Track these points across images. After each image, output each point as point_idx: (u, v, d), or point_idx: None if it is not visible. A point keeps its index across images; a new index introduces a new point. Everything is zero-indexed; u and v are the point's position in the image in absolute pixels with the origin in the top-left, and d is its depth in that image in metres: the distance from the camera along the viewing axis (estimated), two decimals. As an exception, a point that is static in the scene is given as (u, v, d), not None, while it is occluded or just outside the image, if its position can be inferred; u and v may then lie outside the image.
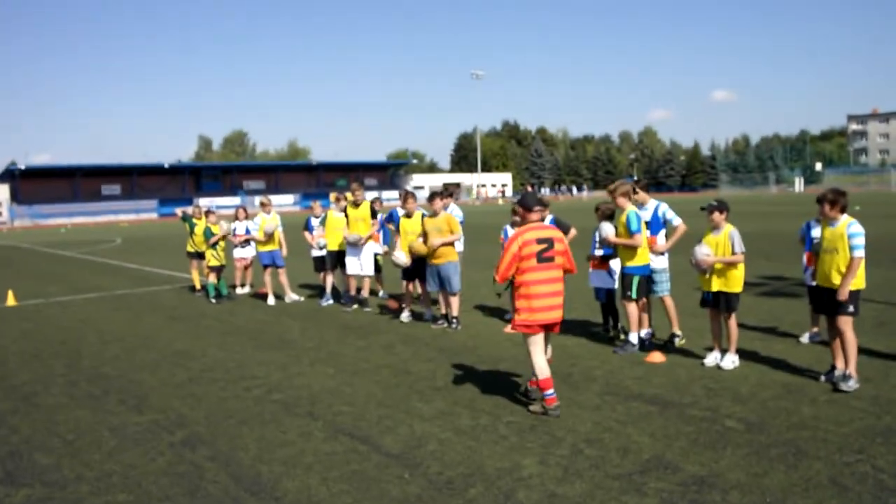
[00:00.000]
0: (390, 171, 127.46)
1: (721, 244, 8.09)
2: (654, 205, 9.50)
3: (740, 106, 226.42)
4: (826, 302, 7.43)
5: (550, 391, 6.81)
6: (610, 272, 9.87)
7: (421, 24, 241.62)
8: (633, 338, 9.16)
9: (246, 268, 16.40)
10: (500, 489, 5.26)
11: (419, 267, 11.70)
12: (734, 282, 8.13)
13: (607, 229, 9.34)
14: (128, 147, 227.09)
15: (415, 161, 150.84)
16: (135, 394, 8.21)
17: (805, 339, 9.26)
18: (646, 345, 9.23)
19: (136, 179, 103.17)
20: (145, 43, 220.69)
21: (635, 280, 9.07)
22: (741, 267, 8.18)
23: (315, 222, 15.16)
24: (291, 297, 14.85)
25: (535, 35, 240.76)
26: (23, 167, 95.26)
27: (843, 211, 7.33)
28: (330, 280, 14.47)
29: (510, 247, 6.92)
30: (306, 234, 15.22)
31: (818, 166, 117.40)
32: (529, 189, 16.50)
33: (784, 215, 37.20)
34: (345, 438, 6.46)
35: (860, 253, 7.14)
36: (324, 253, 14.49)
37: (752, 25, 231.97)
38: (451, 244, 11.14)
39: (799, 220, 9.76)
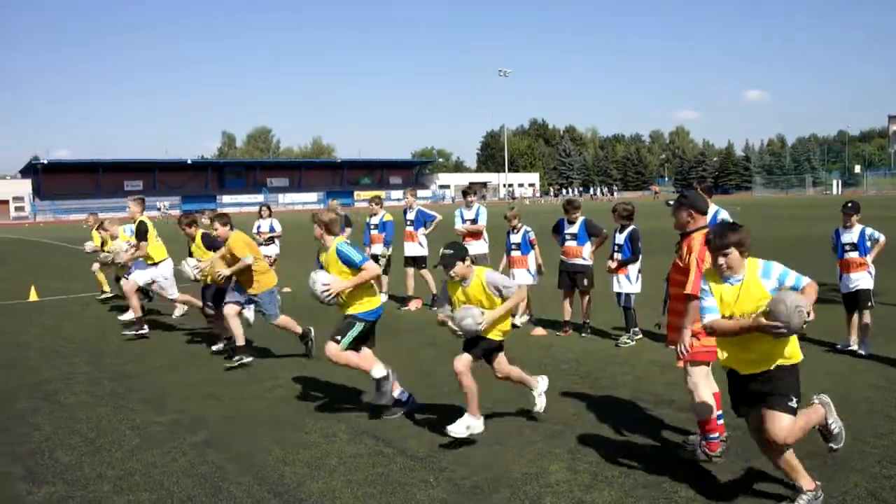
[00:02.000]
0: (415, 170, 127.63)
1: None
2: (713, 209, 9.29)
3: (775, 106, 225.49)
4: (749, 392, 4.87)
5: (716, 434, 5.71)
6: (628, 276, 9.78)
7: (448, 21, 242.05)
8: (377, 372, 7.07)
9: (269, 265, 16.35)
10: (526, 494, 5.16)
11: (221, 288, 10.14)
12: None
13: (321, 280, 7.20)
14: (150, 143, 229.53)
15: (440, 160, 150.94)
16: (156, 393, 8.16)
17: (841, 346, 9.06)
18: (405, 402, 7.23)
19: (159, 175, 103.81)
20: (169, 38, 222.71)
21: (357, 326, 7.06)
22: None
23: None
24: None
25: (564, 33, 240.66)
26: (45, 162, 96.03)
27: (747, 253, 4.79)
28: None
29: (706, 258, 5.55)
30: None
31: (857, 168, 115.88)
32: (567, 191, 16.22)
33: (821, 219, 36.54)
34: (369, 441, 6.37)
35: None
36: None
37: (787, 24, 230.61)
38: (256, 270, 9.48)
39: (836, 224, 9.55)
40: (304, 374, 8.69)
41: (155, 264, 11.60)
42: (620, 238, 9.86)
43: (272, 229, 16.30)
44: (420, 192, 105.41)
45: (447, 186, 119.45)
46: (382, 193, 15.95)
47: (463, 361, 6.18)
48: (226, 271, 9.41)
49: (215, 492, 5.39)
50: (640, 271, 9.88)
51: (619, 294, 9.91)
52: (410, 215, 13.53)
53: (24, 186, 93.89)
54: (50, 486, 5.59)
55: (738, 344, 4.79)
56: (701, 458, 5.68)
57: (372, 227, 14.27)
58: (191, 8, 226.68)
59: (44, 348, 10.79)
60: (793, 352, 4.73)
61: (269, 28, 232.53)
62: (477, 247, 12.33)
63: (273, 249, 16.29)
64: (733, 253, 4.69)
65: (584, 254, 10.40)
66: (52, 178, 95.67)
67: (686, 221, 5.93)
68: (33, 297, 16.07)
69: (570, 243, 10.49)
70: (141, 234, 11.38)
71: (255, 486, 5.49)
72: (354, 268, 7.10)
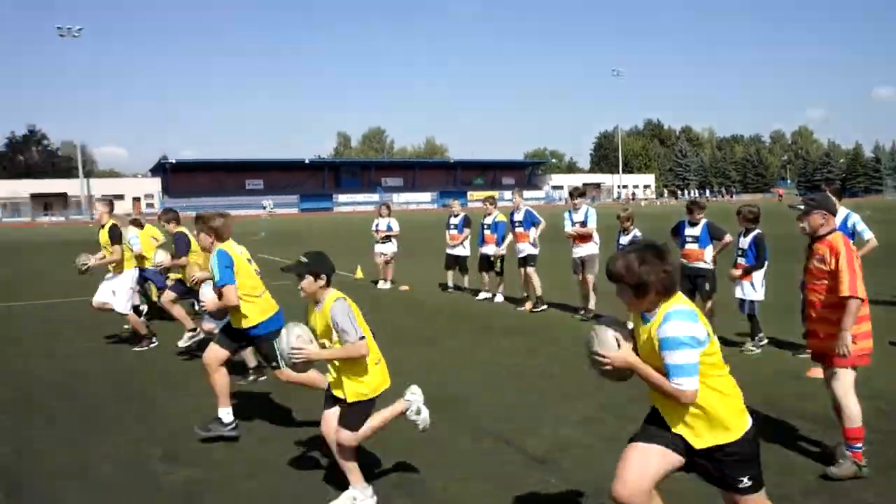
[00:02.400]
0: (528, 171, 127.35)
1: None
2: (843, 213, 8.87)
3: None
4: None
5: (860, 445, 5.49)
6: (752, 283, 9.42)
7: (560, 20, 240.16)
8: (224, 415, 6.58)
9: (387, 263, 16.59)
10: (650, 502, 5.06)
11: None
12: None
13: (203, 294, 6.79)
14: (268, 143, 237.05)
15: (553, 160, 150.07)
16: (281, 385, 8.38)
17: None
18: None
19: (278, 174, 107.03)
20: (286, 40, 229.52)
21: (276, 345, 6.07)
22: None
23: (454, 221, 15.29)
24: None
25: (679, 31, 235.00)
26: (173, 161, 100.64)
27: (660, 292, 3.63)
28: (450, 275, 15.40)
29: (855, 259, 5.56)
30: (447, 232, 15.36)
31: None
32: (684, 193, 15.71)
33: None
34: (489, 439, 6.41)
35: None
36: (455, 252, 15.23)
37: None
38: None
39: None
40: (423, 372, 8.79)
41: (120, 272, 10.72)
42: (745, 242, 9.54)
43: (389, 228, 16.57)
44: (533, 193, 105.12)
45: (560, 187, 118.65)
46: (496, 194, 16.08)
47: (329, 428, 5.21)
48: (200, 275, 9.04)
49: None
50: (764, 277, 9.54)
51: (742, 301, 9.57)
52: (518, 216, 13.52)
53: (154, 185, 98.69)
54: (186, 469, 5.87)
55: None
56: (845, 471, 5.44)
57: (485, 227, 14.36)
58: (308, 11, 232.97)
59: (171, 340, 11.23)
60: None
61: (383, 30, 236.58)
62: (587, 248, 12.15)
63: (390, 248, 16.57)
64: (627, 292, 3.65)
65: (706, 257, 10.13)
66: (179, 176, 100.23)
67: (820, 224, 5.75)
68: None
69: (692, 246, 10.23)
70: (115, 237, 10.50)
71: (379, 475, 5.61)
72: (216, 283, 6.45)
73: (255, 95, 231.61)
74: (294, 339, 4.99)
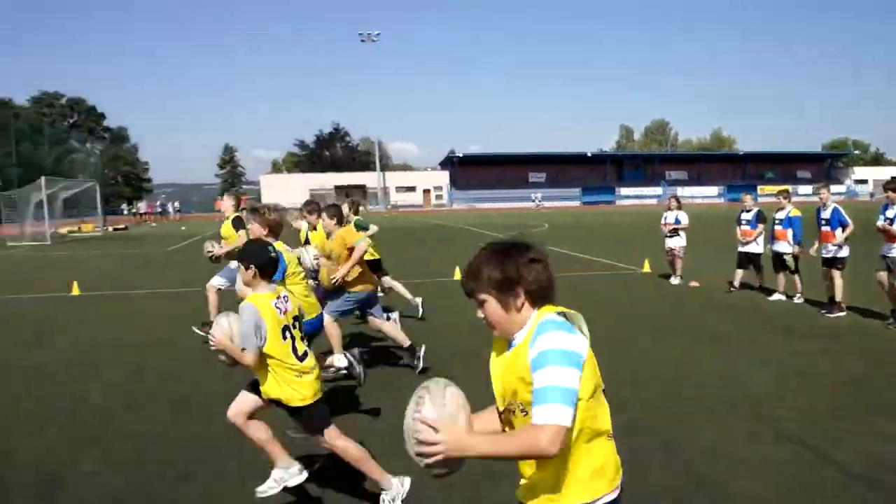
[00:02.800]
0: (827, 163, 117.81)
1: None
2: None
3: None
4: None
5: None
6: None
7: None
8: (339, 360, 7.17)
9: (675, 257, 16.16)
10: None
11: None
12: None
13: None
14: (551, 136, 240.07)
15: (856, 152, 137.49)
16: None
17: None
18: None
19: (560, 167, 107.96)
20: (568, 37, 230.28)
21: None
22: None
23: (746, 216, 14.56)
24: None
25: None
26: (460, 155, 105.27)
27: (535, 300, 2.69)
28: (740, 274, 14.69)
29: None
30: (738, 228, 14.68)
31: None
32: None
33: None
34: (794, 446, 6.07)
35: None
36: (747, 249, 14.52)
37: None
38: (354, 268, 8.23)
39: None
40: (719, 372, 8.52)
41: None
42: None
43: (677, 221, 16.13)
44: (833, 188, 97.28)
45: (864, 181, 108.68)
46: (790, 188, 15.06)
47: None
48: (342, 271, 8.14)
49: (641, 475, 5.51)
50: None
51: None
52: (825, 214, 12.45)
53: (443, 177, 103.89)
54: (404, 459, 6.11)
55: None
56: None
57: (776, 222, 13.53)
58: (588, 4, 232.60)
59: (439, 325, 11.65)
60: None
61: (665, 20, 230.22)
62: None
63: (678, 241, 16.13)
64: (489, 302, 2.69)
65: None
66: (465, 169, 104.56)
67: None
68: (456, 275, 17.65)
69: None
70: (239, 226, 10.45)
71: (675, 475, 5.54)
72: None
73: (539, 91, 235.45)
74: (215, 327, 4.82)
